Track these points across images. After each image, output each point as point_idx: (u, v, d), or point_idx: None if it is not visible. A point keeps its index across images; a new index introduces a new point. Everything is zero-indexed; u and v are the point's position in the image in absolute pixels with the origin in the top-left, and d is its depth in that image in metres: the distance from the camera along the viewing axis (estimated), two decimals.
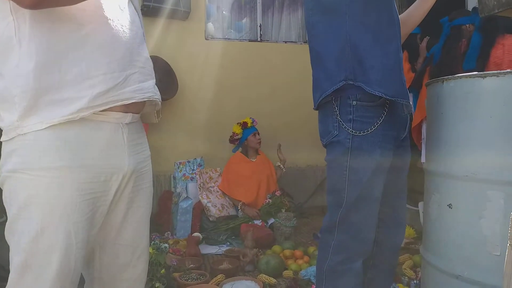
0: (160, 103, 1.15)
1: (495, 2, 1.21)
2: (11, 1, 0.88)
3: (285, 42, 4.23)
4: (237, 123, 3.54)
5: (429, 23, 2.43)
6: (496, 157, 1.26)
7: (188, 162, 3.59)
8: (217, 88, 3.83)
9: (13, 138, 0.94)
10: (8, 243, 0.97)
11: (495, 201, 1.25)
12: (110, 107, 0.98)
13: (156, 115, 1.21)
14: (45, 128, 0.92)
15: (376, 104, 1.29)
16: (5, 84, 0.93)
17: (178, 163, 3.56)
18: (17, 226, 0.94)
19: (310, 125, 4.01)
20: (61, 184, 0.93)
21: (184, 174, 3.54)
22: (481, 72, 1.28)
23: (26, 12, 0.89)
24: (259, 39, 4.14)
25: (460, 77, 1.35)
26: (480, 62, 2.62)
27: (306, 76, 3.92)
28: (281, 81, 4.02)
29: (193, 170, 3.57)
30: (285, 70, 4.06)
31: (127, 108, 1.03)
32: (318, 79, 1.40)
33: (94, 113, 0.96)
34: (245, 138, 3.52)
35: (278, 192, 3.49)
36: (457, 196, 1.34)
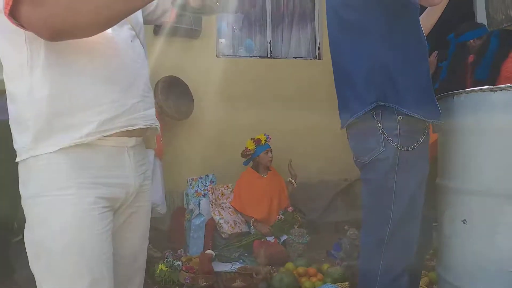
0: (159, 129, 1.21)
1: (503, 17, 1.21)
2: (28, 32, 0.93)
3: (295, 58, 4.27)
4: (251, 139, 3.56)
5: (438, 37, 2.44)
6: (510, 171, 1.24)
7: (200, 178, 3.61)
8: (229, 104, 3.87)
9: (26, 159, 1.01)
10: (33, 269, 1.02)
11: (510, 216, 1.23)
12: (116, 132, 1.04)
13: (155, 141, 1.27)
14: (56, 150, 0.98)
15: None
16: (18, 109, 1.00)
17: (191, 180, 3.58)
18: (44, 248, 0.98)
19: (322, 140, 4.02)
20: (78, 200, 0.98)
21: (196, 191, 3.56)
22: (491, 86, 1.27)
23: (42, 43, 0.95)
24: (269, 56, 4.19)
25: (470, 91, 1.35)
26: (492, 73, 2.61)
27: (317, 90, 3.95)
28: (292, 97, 4.04)
29: (205, 186, 3.59)
30: (296, 85, 4.08)
31: (131, 133, 1.09)
32: (346, 99, 1.38)
33: (101, 138, 1.02)
34: (257, 155, 3.53)
35: (290, 208, 3.48)
36: (472, 212, 1.32)
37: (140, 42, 1.18)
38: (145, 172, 1.20)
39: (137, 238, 1.19)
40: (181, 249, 3.25)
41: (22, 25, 0.90)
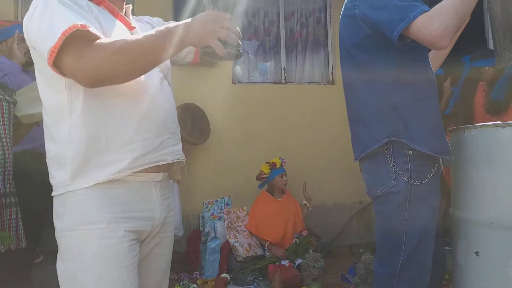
0: (184, 162, 1.29)
1: (511, 54, 1.27)
2: (68, 79, 1.02)
3: (309, 83, 4.37)
4: (266, 162, 3.62)
5: (451, 62, 2.48)
6: None
7: (216, 201, 3.67)
8: (244, 129, 3.96)
9: (62, 194, 1.09)
10: None
11: None
12: (145, 168, 1.12)
13: (180, 171, 1.34)
14: (91, 186, 1.06)
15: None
16: (58, 149, 1.09)
17: (207, 203, 3.65)
18: (77, 280, 1.05)
19: (336, 164, 4.06)
20: (109, 233, 1.05)
21: (212, 214, 3.62)
22: (501, 122, 1.32)
23: (81, 88, 1.04)
24: (283, 82, 4.29)
25: (481, 126, 1.40)
26: (507, 98, 2.62)
27: (330, 115, 4.01)
28: (306, 121, 4.12)
29: (221, 209, 3.64)
30: (310, 110, 4.16)
31: (159, 168, 1.17)
32: (358, 135, 1.44)
33: (131, 174, 1.09)
34: (272, 178, 3.58)
35: (305, 231, 3.49)
36: (484, 244, 1.35)
37: (168, 82, 1.27)
38: (169, 204, 1.27)
39: (161, 267, 1.26)
40: (197, 272, 3.29)
41: (63, 73, 0.99)
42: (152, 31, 1.02)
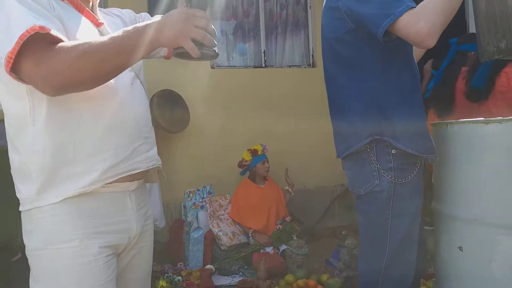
0: (161, 166, 1.22)
1: (494, 49, 1.24)
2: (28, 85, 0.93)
3: (289, 66, 4.29)
4: (248, 150, 3.57)
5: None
6: (503, 201, 1.28)
7: (198, 190, 3.63)
8: (225, 115, 3.88)
9: (30, 209, 1.01)
10: None
11: (504, 245, 1.27)
12: (118, 178, 1.05)
13: (158, 175, 1.26)
14: (59, 201, 0.99)
15: None
16: (22, 159, 1.00)
17: (188, 192, 3.60)
18: None
19: (317, 147, 4.04)
20: (82, 251, 0.99)
21: (194, 203, 3.58)
22: (485, 119, 1.30)
23: (44, 96, 0.95)
24: (263, 65, 4.20)
25: (464, 122, 1.38)
26: (487, 85, 2.62)
27: (312, 98, 3.97)
28: (287, 105, 4.06)
29: (203, 198, 3.61)
30: (291, 94, 4.10)
31: (133, 177, 1.10)
32: (341, 131, 1.41)
33: (104, 185, 1.02)
34: (253, 165, 3.55)
35: (288, 217, 3.51)
36: (467, 239, 1.35)
37: (140, 81, 1.19)
38: (146, 212, 1.21)
39: (141, 277, 1.21)
40: (181, 262, 3.27)
41: (22, 79, 0.90)
42: (119, 32, 0.93)
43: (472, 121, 1.34)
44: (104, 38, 0.92)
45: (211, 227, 3.36)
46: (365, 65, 1.31)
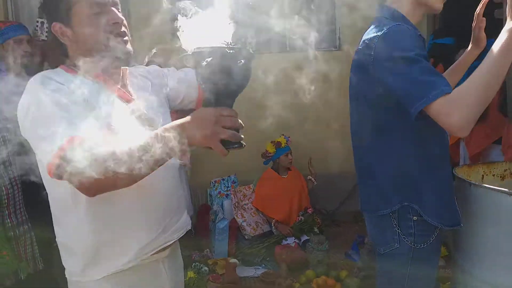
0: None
1: None
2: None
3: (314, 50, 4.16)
4: (271, 142, 3.61)
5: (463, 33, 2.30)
6: None
7: (223, 180, 3.75)
8: (246, 104, 3.86)
9: (76, 281, 1.15)
10: None
11: None
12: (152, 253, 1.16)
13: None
14: (101, 278, 1.11)
15: None
16: (66, 236, 1.13)
17: (214, 181, 3.73)
18: None
19: (341, 133, 4.01)
20: None
21: (219, 192, 3.72)
22: (509, 190, 1.30)
23: None
24: (287, 49, 4.10)
25: (488, 188, 1.37)
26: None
27: (336, 83, 3.88)
28: (310, 92, 4.00)
29: (227, 187, 3.74)
30: (315, 78, 4.02)
31: (165, 247, 1.20)
32: (370, 194, 1.41)
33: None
34: (277, 157, 3.60)
35: (310, 209, 3.60)
36: None
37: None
38: (178, 274, 1.32)
39: None
40: (207, 249, 3.47)
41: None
42: (147, 139, 0.95)
43: (497, 190, 1.33)
44: (133, 148, 0.92)
45: (235, 217, 3.51)
46: (396, 130, 1.29)
